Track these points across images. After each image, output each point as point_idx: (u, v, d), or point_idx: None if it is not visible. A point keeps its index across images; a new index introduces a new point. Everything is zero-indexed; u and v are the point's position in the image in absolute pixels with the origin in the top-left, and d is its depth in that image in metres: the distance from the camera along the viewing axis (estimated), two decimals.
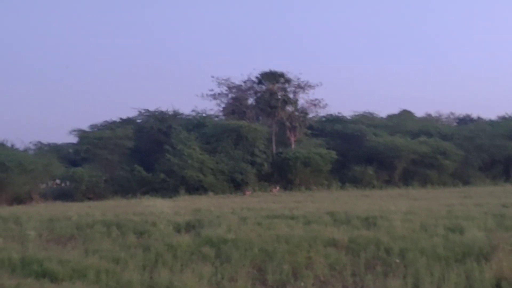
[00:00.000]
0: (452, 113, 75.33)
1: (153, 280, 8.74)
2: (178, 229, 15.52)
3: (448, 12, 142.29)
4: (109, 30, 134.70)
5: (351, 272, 8.94)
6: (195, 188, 44.83)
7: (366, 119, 61.09)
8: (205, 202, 31.28)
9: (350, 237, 12.38)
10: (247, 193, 45.74)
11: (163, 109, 55.50)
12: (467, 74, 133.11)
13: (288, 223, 15.88)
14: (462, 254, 9.82)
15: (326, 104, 58.60)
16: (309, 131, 55.55)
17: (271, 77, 54.29)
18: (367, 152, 52.42)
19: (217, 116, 59.14)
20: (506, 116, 64.83)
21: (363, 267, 9.29)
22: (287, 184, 48.59)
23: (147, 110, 55.50)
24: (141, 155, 50.03)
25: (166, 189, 44.67)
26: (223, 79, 57.94)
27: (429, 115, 74.10)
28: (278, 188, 47.50)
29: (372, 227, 14.70)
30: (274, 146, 51.83)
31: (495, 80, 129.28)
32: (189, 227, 16.14)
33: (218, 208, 23.99)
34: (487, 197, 28.37)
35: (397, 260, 9.65)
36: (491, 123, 63.09)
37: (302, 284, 7.94)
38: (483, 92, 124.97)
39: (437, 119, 73.22)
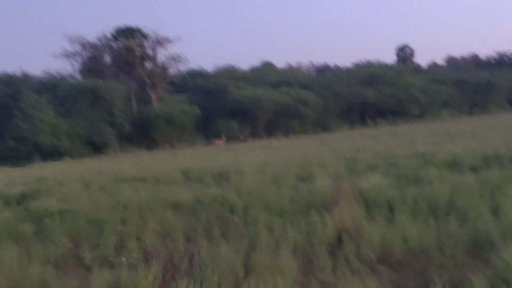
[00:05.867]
0: (311, 63, 77.35)
1: None
2: (8, 202, 13.62)
3: None
4: None
5: (186, 238, 7.93)
6: (50, 154, 41.73)
7: (229, 73, 60.62)
8: (58, 169, 29.03)
9: (195, 196, 11.41)
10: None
11: (10, 71, 50.96)
12: (324, 23, 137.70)
13: (136, 186, 14.61)
14: (307, 205, 9.17)
15: (187, 59, 57.36)
16: (170, 88, 53.96)
17: (127, 33, 51.76)
18: (230, 106, 52.09)
19: (71, 77, 55.47)
20: (360, 63, 67.66)
21: (202, 230, 8.32)
22: (150, 143, 47.00)
23: None
24: None
25: (17, 157, 41.09)
26: (76, 37, 54.16)
27: (290, 65, 75.45)
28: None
29: (225, 183, 13.85)
30: (134, 105, 49.74)
31: (350, 27, 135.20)
32: (24, 198, 14.24)
33: (67, 174, 22.07)
34: (343, 142, 28.99)
35: (236, 219, 8.78)
36: (347, 70, 65.44)
37: (123, 259, 6.79)
38: (340, 40, 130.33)
39: (298, 69, 74.67)
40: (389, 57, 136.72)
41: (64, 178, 19.46)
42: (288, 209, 9.12)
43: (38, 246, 7.97)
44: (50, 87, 49.98)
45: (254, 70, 66.25)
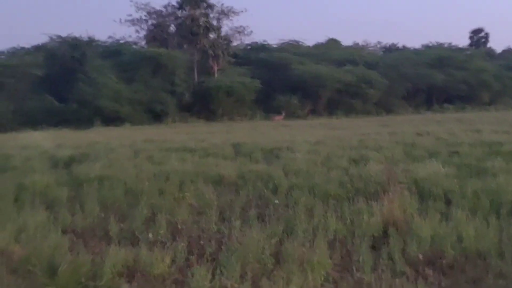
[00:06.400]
0: (379, 42, 74.66)
1: None
2: (56, 165, 13.57)
3: None
4: None
5: (221, 216, 7.41)
6: (111, 119, 42.18)
7: (292, 48, 59.37)
8: (115, 134, 29.19)
9: (239, 172, 10.88)
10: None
11: (77, 35, 51.47)
12: (396, 2, 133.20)
13: (183, 157, 14.23)
14: (355, 191, 8.45)
15: (251, 32, 56.63)
16: (233, 60, 53.47)
17: (193, 2, 51.25)
18: (292, 81, 50.90)
19: (136, 44, 55.92)
20: (430, 44, 64.91)
21: (239, 209, 7.77)
22: (209, 114, 46.85)
23: (59, 36, 51.21)
24: (52, 84, 46.21)
25: (79, 120, 41.76)
26: (142, 4, 54.45)
27: (357, 44, 73.07)
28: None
29: (274, 160, 13.24)
30: (196, 75, 49.60)
31: (423, 8, 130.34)
32: (72, 162, 14.12)
33: (121, 140, 22.03)
34: (405, 125, 27.72)
35: (277, 201, 8.17)
36: (415, 51, 62.92)
37: (150, 235, 6.35)
38: (410, 20, 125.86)
39: (364, 48, 72.26)
40: (462, 41, 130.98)
41: (116, 144, 19.35)
42: (333, 194, 8.45)
43: (68, 213, 7.66)
44: (114, 53, 50.48)
45: (319, 47, 64.59)
